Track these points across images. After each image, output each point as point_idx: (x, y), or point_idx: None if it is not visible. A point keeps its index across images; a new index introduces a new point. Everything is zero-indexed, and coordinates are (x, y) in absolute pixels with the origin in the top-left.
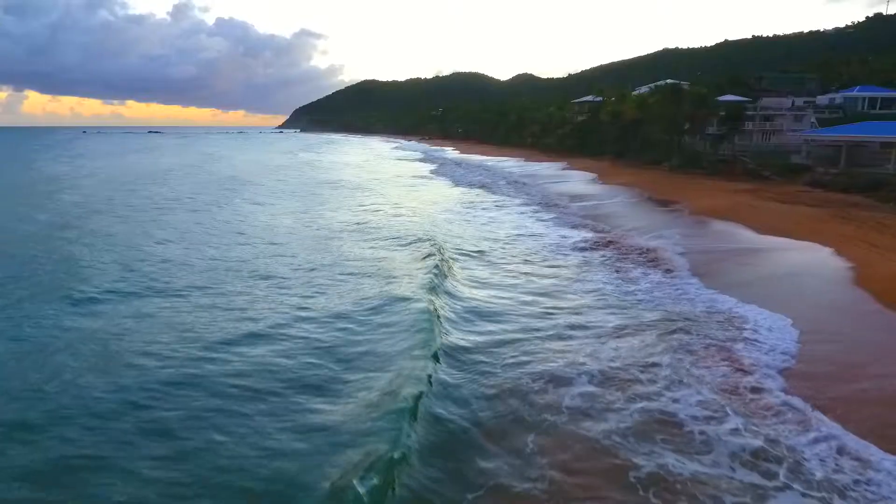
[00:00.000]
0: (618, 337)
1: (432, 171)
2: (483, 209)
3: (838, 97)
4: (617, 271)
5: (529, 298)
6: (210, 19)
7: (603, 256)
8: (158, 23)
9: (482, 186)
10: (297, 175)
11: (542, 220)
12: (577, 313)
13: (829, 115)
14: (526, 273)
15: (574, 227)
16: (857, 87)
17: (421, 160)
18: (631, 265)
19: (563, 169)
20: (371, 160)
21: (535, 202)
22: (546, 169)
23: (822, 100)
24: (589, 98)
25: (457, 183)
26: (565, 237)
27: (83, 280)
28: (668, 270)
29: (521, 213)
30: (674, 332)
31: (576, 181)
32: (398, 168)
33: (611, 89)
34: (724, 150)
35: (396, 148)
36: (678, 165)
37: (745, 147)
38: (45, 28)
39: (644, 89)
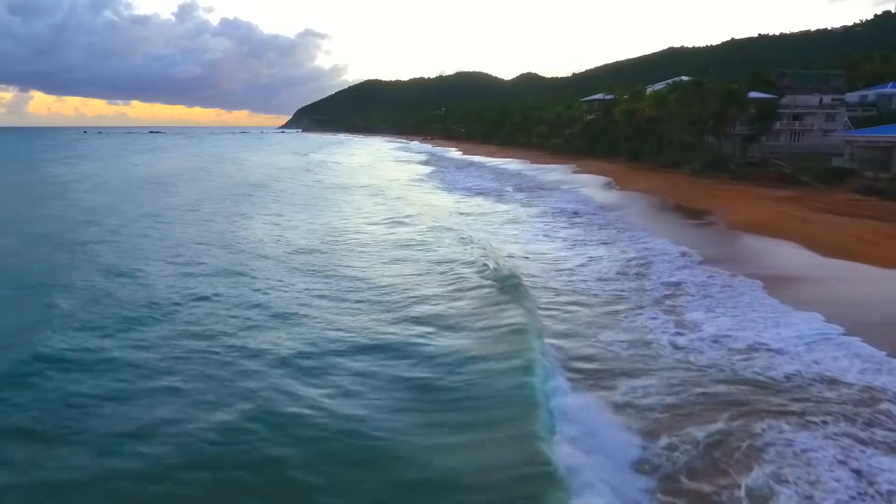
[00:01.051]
0: (676, 435)
1: (434, 175)
2: (487, 222)
3: (871, 94)
4: (667, 309)
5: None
6: (214, 19)
7: (641, 286)
8: (163, 23)
9: (488, 193)
10: (310, 179)
11: (558, 237)
12: (607, 382)
13: (861, 113)
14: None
15: (598, 244)
16: (891, 84)
17: (424, 162)
18: (683, 301)
19: (574, 172)
20: (375, 162)
21: (546, 213)
22: (554, 172)
23: (851, 97)
24: (599, 96)
25: (460, 189)
26: (591, 259)
27: (46, 328)
28: (735, 308)
29: (534, 226)
30: (769, 418)
31: (589, 186)
32: (402, 171)
33: (622, 87)
34: (753, 152)
35: (399, 149)
36: (700, 168)
37: (776, 149)
38: (50, 29)
39: (659, 86)
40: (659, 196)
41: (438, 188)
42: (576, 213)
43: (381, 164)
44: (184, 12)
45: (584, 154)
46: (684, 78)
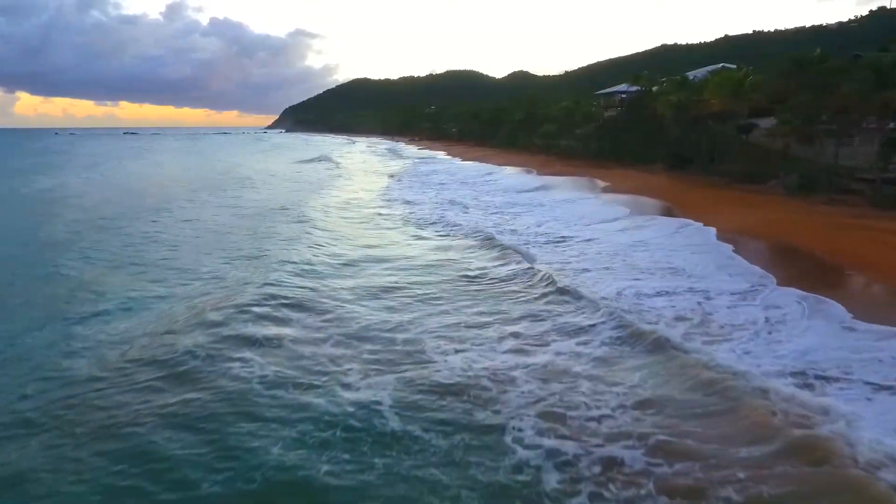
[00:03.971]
0: None
1: (416, 200)
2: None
3: None
4: None
5: None
6: (204, 19)
7: None
8: (151, 23)
9: (490, 240)
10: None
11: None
12: None
13: None
14: None
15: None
16: None
17: (410, 174)
18: None
19: (603, 190)
20: (359, 183)
21: (596, 313)
22: (574, 188)
23: None
24: (622, 87)
25: (452, 233)
26: None
27: None
28: None
29: (578, 353)
30: None
31: (636, 220)
32: (373, 184)
33: (647, 79)
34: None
35: (382, 154)
36: (800, 186)
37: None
38: (37, 29)
39: (700, 74)
40: (774, 242)
41: (435, 231)
42: (645, 334)
43: (372, 179)
44: (172, 12)
45: (604, 159)
46: (723, 64)
